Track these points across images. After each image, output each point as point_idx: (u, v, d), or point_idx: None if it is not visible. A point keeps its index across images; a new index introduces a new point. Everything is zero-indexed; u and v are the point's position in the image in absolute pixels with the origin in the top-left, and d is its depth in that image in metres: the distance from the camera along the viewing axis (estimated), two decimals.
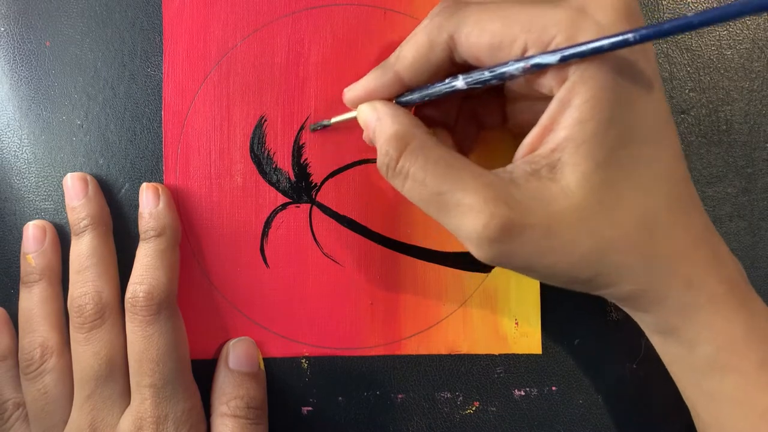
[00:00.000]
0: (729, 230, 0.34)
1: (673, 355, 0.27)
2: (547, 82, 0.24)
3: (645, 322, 0.28)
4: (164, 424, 0.29)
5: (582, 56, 0.23)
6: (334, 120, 0.32)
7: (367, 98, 0.28)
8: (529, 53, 0.24)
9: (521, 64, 0.24)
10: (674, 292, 0.25)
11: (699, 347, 0.26)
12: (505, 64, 0.24)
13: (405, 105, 0.28)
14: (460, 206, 0.24)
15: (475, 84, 0.25)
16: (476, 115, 0.31)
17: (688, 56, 0.34)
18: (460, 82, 0.26)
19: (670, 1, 0.34)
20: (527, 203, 0.24)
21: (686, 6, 0.34)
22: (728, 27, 0.34)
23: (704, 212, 0.26)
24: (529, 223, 0.24)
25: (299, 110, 0.33)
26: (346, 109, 0.30)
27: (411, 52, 0.26)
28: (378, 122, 0.27)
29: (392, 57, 0.27)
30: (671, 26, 0.21)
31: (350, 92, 0.29)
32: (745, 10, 0.19)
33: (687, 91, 0.34)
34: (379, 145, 0.27)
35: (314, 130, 0.33)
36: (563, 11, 0.24)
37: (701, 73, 0.34)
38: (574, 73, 0.23)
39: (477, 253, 0.25)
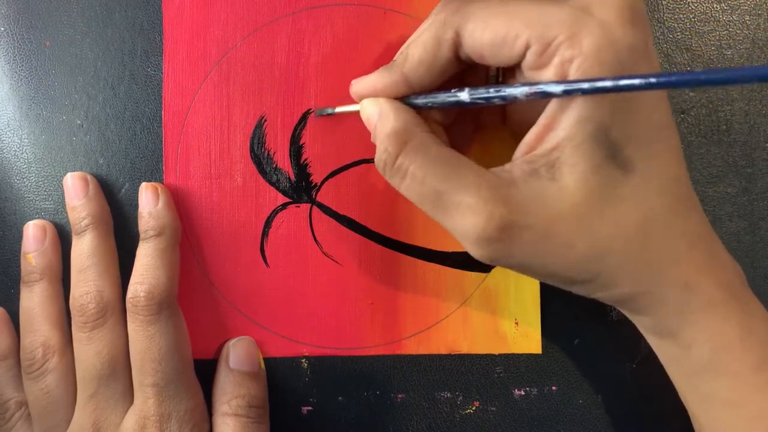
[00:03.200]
0: (729, 230, 0.35)
1: (670, 356, 0.28)
2: (548, 78, 0.24)
3: (642, 324, 0.28)
4: (167, 423, 0.29)
5: (584, 93, 0.23)
6: (338, 109, 0.32)
7: (372, 95, 0.28)
8: (531, 50, 0.24)
9: (526, 89, 0.24)
10: (671, 295, 0.25)
11: (695, 349, 0.26)
12: (512, 86, 0.24)
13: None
14: (459, 205, 0.24)
15: (478, 100, 0.25)
16: (475, 113, 0.31)
17: (688, 56, 0.34)
18: (464, 95, 0.26)
19: (670, 1, 0.34)
20: (526, 203, 0.24)
21: (686, 6, 0.34)
22: (728, 27, 0.34)
23: (703, 214, 0.26)
24: (527, 223, 0.24)
25: (299, 110, 0.33)
26: (350, 102, 0.30)
27: (418, 51, 0.26)
28: (379, 118, 0.27)
29: (399, 57, 0.27)
30: (679, 79, 0.21)
31: (356, 85, 0.29)
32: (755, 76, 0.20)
33: (687, 91, 0.34)
34: (378, 141, 0.27)
35: (319, 115, 0.32)
36: (567, 10, 0.24)
37: None
38: (576, 72, 0.23)
39: (475, 252, 0.25)
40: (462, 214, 0.24)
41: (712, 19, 0.34)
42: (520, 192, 0.24)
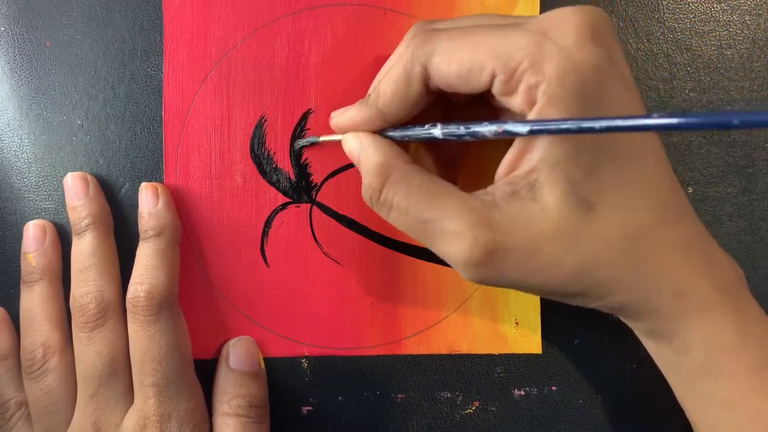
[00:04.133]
0: (729, 230, 0.35)
1: (666, 360, 0.28)
2: (517, 104, 0.24)
3: (638, 329, 0.28)
4: (168, 423, 0.29)
5: (550, 133, 0.23)
6: (322, 138, 0.32)
7: (352, 130, 0.29)
8: (497, 79, 0.24)
9: (494, 128, 0.24)
10: (664, 301, 0.25)
11: (690, 352, 0.26)
12: (480, 123, 0.25)
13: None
14: (444, 232, 0.25)
15: (450, 136, 0.26)
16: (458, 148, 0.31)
17: (688, 56, 0.34)
18: (437, 132, 0.26)
19: (671, 1, 0.34)
20: (509, 225, 0.24)
21: (686, 6, 0.34)
22: (728, 27, 0.34)
23: (696, 218, 0.26)
24: (511, 245, 0.24)
25: (299, 110, 0.33)
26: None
27: (390, 87, 0.27)
28: (362, 152, 0.28)
29: (372, 93, 0.28)
30: (656, 124, 0.21)
31: (336, 118, 0.29)
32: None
33: (687, 91, 0.34)
34: (363, 175, 0.27)
35: (301, 147, 0.33)
36: (527, 36, 0.24)
37: (701, 73, 0.34)
38: (543, 96, 0.24)
39: (465, 275, 0.25)
40: (448, 241, 0.25)
41: (712, 19, 0.34)
42: (503, 214, 0.24)
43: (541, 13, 0.33)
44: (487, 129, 0.25)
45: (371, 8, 0.33)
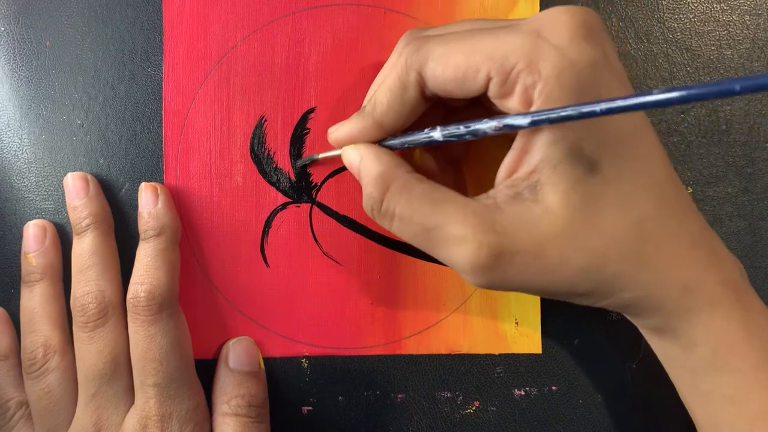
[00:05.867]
0: (729, 230, 0.35)
1: (671, 356, 0.28)
2: (514, 106, 0.24)
3: (644, 325, 0.28)
4: (169, 423, 0.29)
5: (551, 122, 0.23)
6: (321, 155, 0.32)
7: (350, 142, 0.29)
8: (493, 82, 0.24)
9: (494, 123, 0.24)
10: (671, 296, 0.25)
11: (697, 348, 0.26)
12: (479, 121, 0.25)
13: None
14: (448, 239, 0.25)
15: (450, 137, 0.26)
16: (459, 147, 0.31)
17: (688, 56, 0.34)
18: (437, 134, 0.26)
19: (671, 1, 0.34)
20: (513, 228, 0.24)
21: (686, 6, 0.34)
22: (728, 27, 0.34)
23: (698, 213, 0.26)
24: (517, 248, 0.24)
25: (300, 110, 0.33)
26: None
27: (386, 97, 0.27)
28: (361, 163, 0.28)
29: (368, 104, 0.28)
30: (658, 99, 0.21)
31: (334, 133, 0.29)
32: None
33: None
34: (363, 186, 0.27)
35: (301, 165, 0.33)
36: (521, 37, 0.24)
37: (701, 73, 0.34)
38: (539, 97, 0.24)
39: (472, 281, 0.25)
40: (453, 247, 0.25)
41: (712, 19, 0.34)
42: (506, 217, 0.24)
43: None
44: (487, 126, 0.24)
45: (371, 8, 0.33)
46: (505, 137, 0.26)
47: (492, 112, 0.28)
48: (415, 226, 0.26)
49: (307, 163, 0.33)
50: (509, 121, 0.24)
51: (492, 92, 0.25)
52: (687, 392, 0.28)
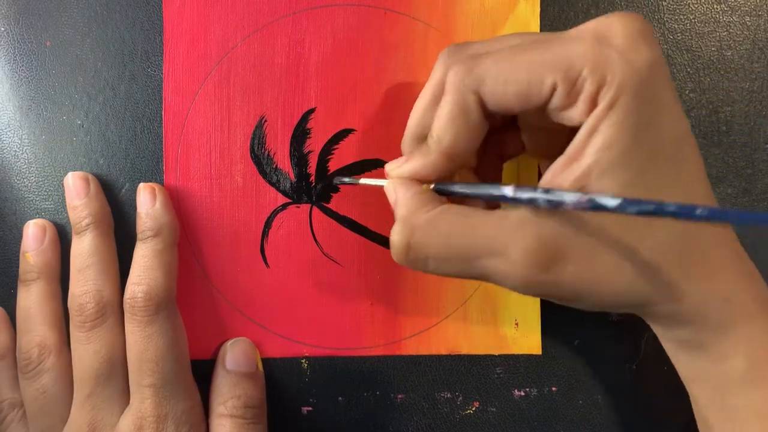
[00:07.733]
0: None
1: (699, 370, 0.27)
2: (576, 115, 0.24)
3: (676, 338, 0.27)
4: (164, 424, 0.29)
5: (640, 213, 0.22)
6: (363, 181, 0.31)
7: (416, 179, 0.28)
8: (558, 91, 0.24)
9: (577, 198, 0.23)
10: (712, 307, 0.25)
11: (731, 361, 0.25)
12: (562, 194, 0.23)
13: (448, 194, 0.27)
14: (497, 258, 0.24)
15: (522, 201, 0.24)
16: (498, 147, 0.31)
17: (688, 57, 0.34)
18: (509, 192, 0.24)
19: (671, 2, 0.34)
20: (562, 233, 0.24)
21: (686, 7, 0.34)
22: (728, 28, 0.34)
23: (731, 229, 0.26)
24: (570, 253, 0.24)
25: (299, 110, 0.33)
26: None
27: (449, 127, 0.26)
28: (394, 205, 0.27)
29: (430, 139, 0.27)
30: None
31: (395, 172, 0.28)
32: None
33: (687, 92, 0.34)
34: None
35: (339, 183, 0.33)
36: (583, 43, 0.24)
37: (701, 74, 0.34)
38: (604, 104, 0.23)
39: (523, 287, 0.25)
40: (505, 266, 0.24)
41: (712, 19, 0.34)
42: (556, 223, 0.24)
43: (541, 12, 0.33)
44: (569, 199, 0.23)
45: (371, 8, 0.33)
46: (556, 137, 0.26)
47: (526, 131, 0.29)
48: (455, 264, 0.25)
49: (347, 183, 0.32)
50: (598, 200, 0.22)
51: (555, 103, 0.24)
52: (711, 409, 0.27)
